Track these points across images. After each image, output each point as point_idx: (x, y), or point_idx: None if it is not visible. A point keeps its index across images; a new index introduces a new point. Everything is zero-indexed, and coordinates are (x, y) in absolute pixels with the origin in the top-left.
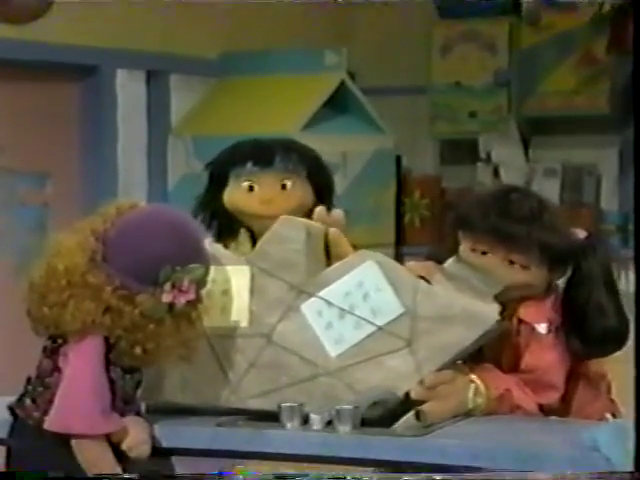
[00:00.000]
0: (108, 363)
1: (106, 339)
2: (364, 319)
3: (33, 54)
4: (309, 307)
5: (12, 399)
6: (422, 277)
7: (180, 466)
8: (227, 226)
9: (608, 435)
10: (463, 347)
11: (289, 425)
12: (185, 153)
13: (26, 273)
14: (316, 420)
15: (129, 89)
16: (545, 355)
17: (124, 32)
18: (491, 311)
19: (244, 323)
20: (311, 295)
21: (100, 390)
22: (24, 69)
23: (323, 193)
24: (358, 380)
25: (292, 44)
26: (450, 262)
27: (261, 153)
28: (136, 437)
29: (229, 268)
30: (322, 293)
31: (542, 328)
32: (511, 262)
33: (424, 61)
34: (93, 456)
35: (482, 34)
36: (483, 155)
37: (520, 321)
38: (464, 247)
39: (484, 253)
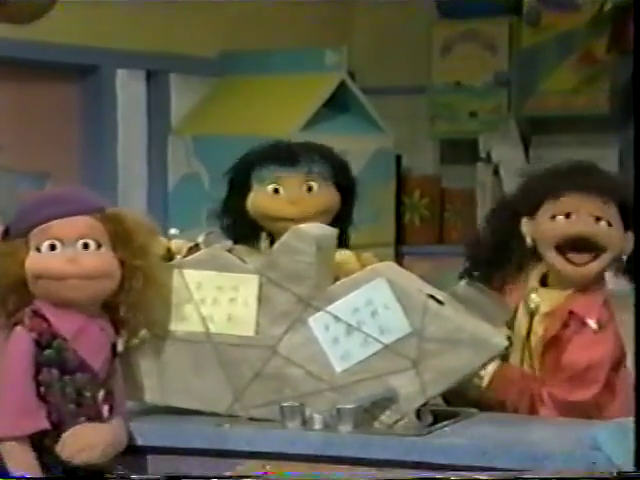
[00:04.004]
0: (42, 365)
1: (36, 342)
2: (371, 336)
3: (33, 54)
4: (316, 321)
5: None
6: (432, 296)
7: (181, 465)
8: (249, 232)
9: (609, 434)
10: (469, 372)
11: (290, 425)
12: (185, 153)
13: None
14: (317, 420)
15: (129, 89)
16: (590, 351)
17: (124, 32)
18: (499, 338)
19: (250, 332)
20: (319, 309)
21: (21, 390)
22: (24, 69)
23: (347, 197)
24: (362, 398)
25: (292, 44)
26: (462, 284)
27: (284, 155)
28: (74, 443)
29: (238, 276)
30: (330, 308)
31: (592, 323)
32: (597, 219)
33: (424, 61)
34: (13, 458)
35: (482, 34)
36: (483, 155)
37: (571, 313)
38: (542, 217)
39: (568, 216)
